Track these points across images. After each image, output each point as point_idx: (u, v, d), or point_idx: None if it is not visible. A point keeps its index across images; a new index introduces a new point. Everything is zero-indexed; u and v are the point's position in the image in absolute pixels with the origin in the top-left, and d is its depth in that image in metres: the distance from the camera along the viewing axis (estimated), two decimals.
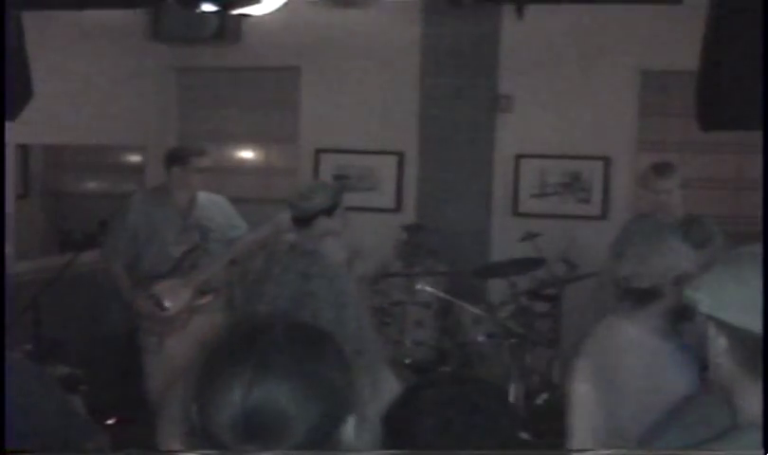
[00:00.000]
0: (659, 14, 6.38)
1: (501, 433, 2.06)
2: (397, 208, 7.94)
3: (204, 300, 5.57)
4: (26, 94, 4.48)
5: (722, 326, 1.83)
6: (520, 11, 7.19)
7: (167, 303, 5.51)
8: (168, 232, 5.76)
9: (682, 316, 3.24)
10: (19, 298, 5.39)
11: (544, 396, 6.51)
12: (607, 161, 7.51)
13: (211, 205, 5.97)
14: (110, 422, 5.67)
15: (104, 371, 5.99)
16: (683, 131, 7.01)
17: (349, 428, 1.70)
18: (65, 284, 5.90)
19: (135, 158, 8.11)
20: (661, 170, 5.84)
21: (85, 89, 6.99)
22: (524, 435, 5.63)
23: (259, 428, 1.60)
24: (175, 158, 5.88)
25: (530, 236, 6.74)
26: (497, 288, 7.08)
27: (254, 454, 1.60)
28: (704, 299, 1.86)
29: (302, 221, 4.72)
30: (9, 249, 5.62)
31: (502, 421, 2.10)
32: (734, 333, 1.80)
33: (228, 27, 7.11)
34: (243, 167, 8.58)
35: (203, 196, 5.96)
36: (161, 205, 5.83)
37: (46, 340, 5.64)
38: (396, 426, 2.09)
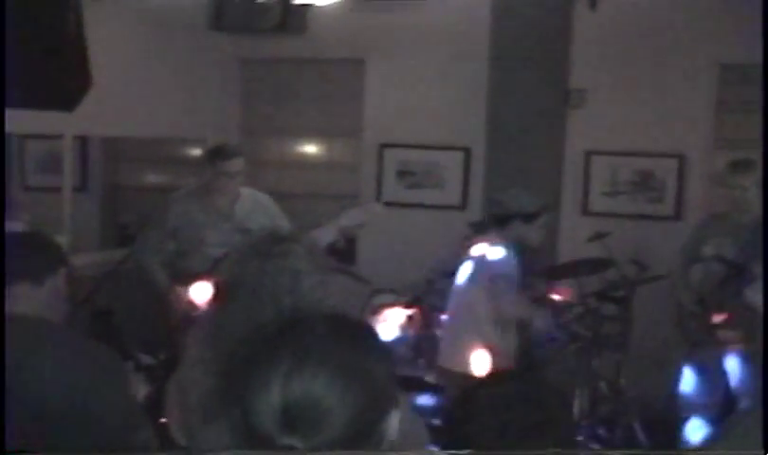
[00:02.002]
0: (738, 5, 6.18)
1: (560, 433, 2.01)
2: (463, 205, 7.75)
3: None
4: (84, 84, 4.39)
5: None
6: (593, 3, 6.99)
7: (201, 304, 5.49)
8: (208, 233, 5.73)
9: None
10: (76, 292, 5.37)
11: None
12: (681, 159, 7.27)
13: (255, 205, 5.91)
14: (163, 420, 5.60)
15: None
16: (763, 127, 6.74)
17: (392, 424, 1.67)
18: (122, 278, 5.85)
19: (195, 151, 8.01)
20: (739, 166, 5.71)
21: (146, 80, 6.91)
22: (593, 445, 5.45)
23: (298, 420, 1.58)
24: (208, 159, 5.87)
25: (600, 236, 6.54)
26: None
27: (283, 453, 1.58)
28: None
29: (498, 220, 5.10)
30: (64, 243, 5.57)
31: (563, 420, 2.08)
32: None
33: (291, 18, 7.02)
34: (304, 161, 8.42)
35: (247, 195, 5.91)
36: (202, 204, 5.81)
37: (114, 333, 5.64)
38: (455, 424, 2.07)
